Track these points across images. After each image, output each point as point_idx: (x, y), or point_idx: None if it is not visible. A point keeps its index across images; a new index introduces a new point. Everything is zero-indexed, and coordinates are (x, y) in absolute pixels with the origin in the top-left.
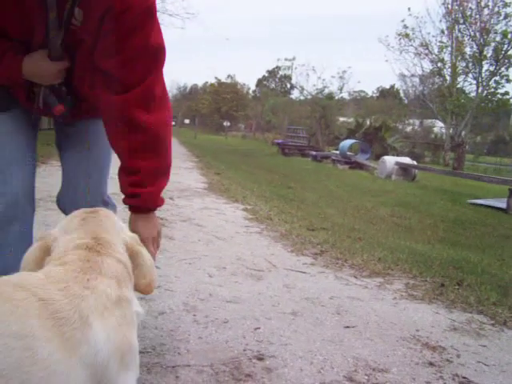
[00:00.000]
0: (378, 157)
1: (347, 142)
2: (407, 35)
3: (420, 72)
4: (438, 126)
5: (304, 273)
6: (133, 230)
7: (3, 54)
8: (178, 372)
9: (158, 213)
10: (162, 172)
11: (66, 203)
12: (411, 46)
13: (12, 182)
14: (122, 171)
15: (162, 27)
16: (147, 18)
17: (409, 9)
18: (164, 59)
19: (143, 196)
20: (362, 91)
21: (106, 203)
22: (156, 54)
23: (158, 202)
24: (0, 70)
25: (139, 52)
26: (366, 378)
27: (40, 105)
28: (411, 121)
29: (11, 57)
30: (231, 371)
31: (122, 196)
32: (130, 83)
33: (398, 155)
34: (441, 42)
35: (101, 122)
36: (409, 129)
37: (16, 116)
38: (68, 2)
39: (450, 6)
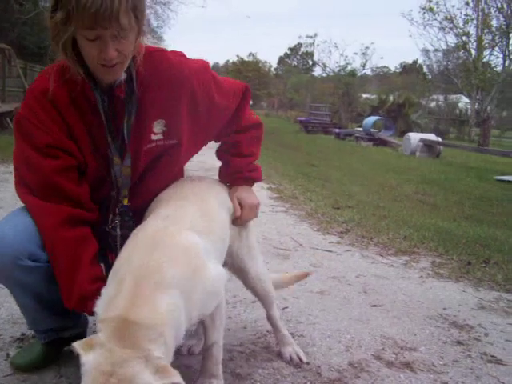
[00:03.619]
0: (401, 133)
1: (371, 119)
2: (431, 9)
3: (444, 46)
4: (463, 102)
5: (330, 251)
6: (237, 198)
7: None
8: None
9: None
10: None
11: None
12: (435, 19)
13: None
14: (236, 157)
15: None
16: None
17: None
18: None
19: (259, 170)
20: (384, 67)
21: None
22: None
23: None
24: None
25: (227, 111)
26: (394, 356)
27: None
28: (435, 96)
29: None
30: (261, 350)
31: None
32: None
33: (422, 132)
34: (466, 14)
35: None
36: (433, 104)
37: None
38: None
39: None
